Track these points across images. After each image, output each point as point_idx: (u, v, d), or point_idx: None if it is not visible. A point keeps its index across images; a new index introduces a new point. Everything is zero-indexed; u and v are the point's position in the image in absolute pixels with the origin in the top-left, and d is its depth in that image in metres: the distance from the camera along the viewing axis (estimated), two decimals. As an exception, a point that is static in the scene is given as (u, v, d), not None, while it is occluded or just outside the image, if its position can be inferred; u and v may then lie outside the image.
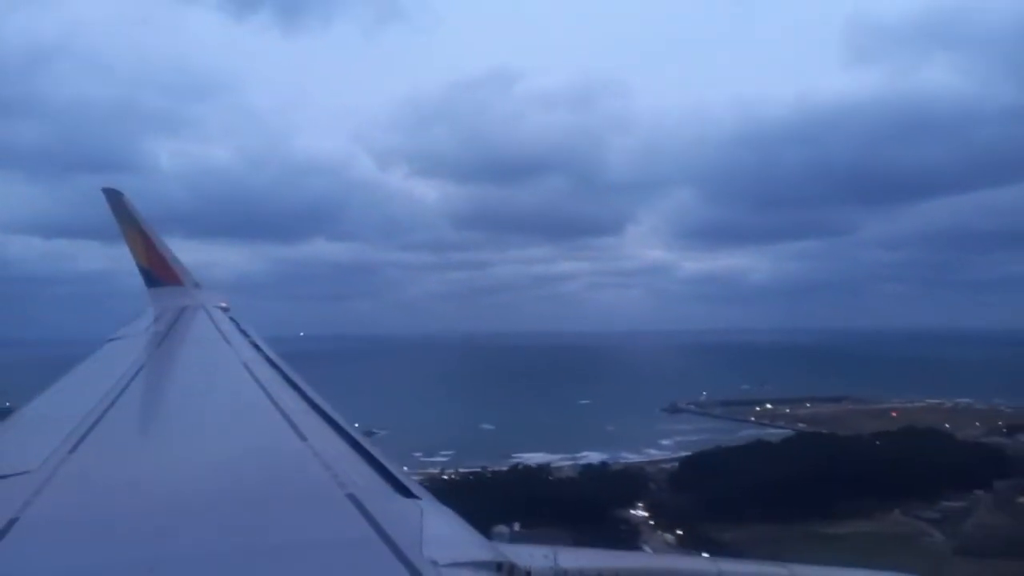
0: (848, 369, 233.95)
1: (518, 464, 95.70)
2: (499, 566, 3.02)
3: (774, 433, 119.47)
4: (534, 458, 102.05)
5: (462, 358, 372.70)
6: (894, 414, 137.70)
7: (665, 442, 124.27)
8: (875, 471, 78.59)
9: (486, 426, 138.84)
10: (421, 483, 4.03)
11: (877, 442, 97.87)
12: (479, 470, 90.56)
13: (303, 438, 4.54)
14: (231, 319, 11.61)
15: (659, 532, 73.74)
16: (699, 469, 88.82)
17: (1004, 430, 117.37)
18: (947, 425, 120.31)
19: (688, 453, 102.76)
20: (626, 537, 68.01)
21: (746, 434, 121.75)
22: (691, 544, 66.09)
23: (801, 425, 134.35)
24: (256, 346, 8.97)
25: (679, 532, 71.64)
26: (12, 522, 3.07)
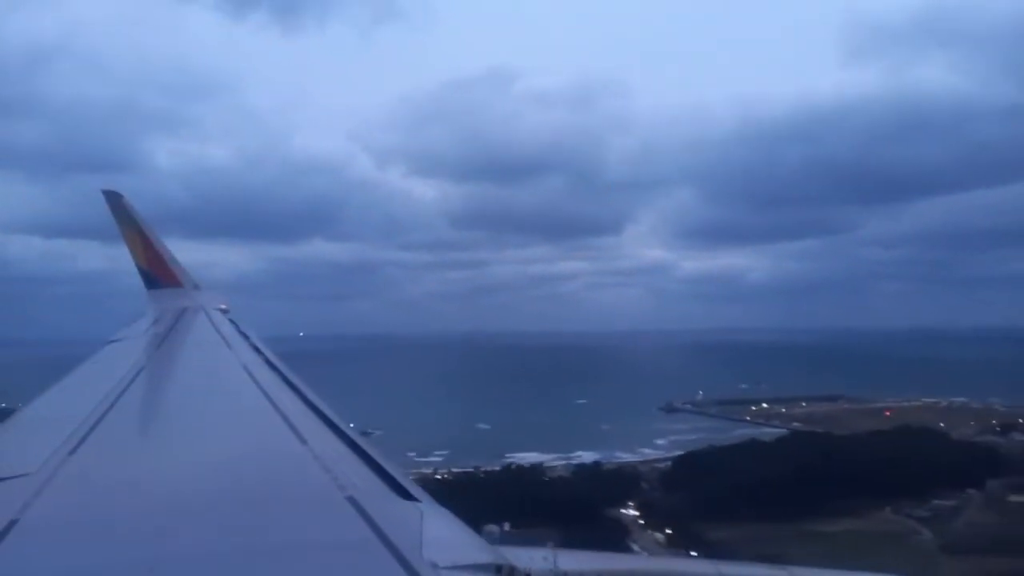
0: (846, 368, 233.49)
1: (511, 464, 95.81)
2: (499, 568, 3.02)
3: (769, 432, 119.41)
4: (528, 458, 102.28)
5: (460, 357, 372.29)
6: (887, 413, 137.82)
7: (660, 441, 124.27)
8: (868, 470, 78.59)
9: (482, 426, 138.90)
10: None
11: (871, 441, 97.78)
12: (471, 470, 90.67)
13: (303, 441, 4.53)
14: (231, 321, 11.68)
15: (649, 531, 73.95)
16: (691, 468, 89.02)
17: (998, 429, 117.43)
18: (942, 424, 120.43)
19: (682, 452, 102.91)
20: (616, 536, 68.15)
21: (741, 433, 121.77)
22: (681, 543, 66.27)
23: (796, 424, 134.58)
24: (256, 348, 8.99)
25: (669, 531, 71.82)
26: (12, 524, 3.07)
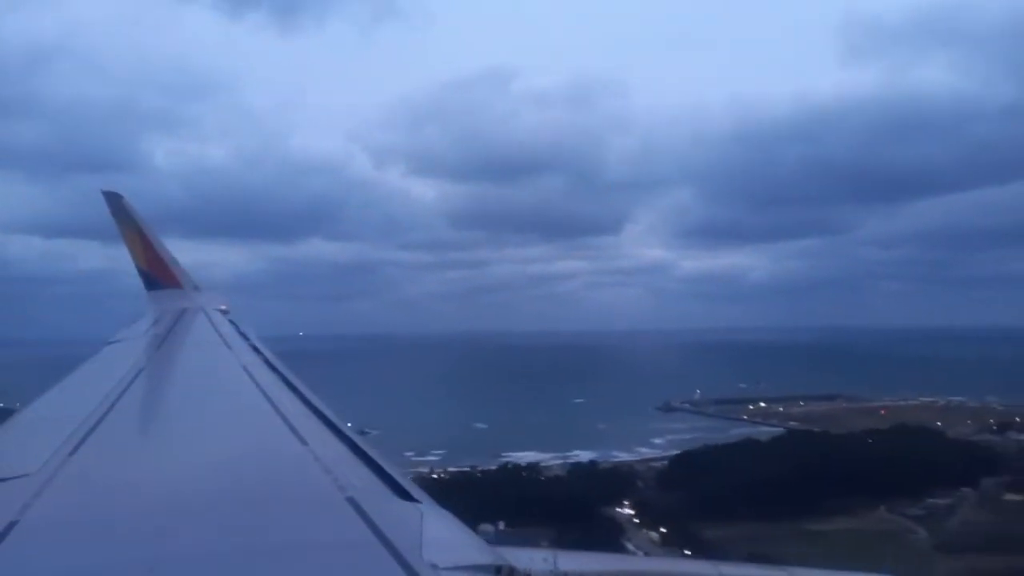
0: (844, 367, 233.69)
1: (507, 463, 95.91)
2: (498, 569, 3.01)
3: (766, 431, 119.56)
4: (524, 457, 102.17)
5: (459, 357, 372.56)
6: (883, 412, 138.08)
7: (657, 440, 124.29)
8: (864, 469, 78.72)
9: (480, 425, 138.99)
10: None
11: (867, 440, 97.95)
12: (468, 469, 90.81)
13: (303, 441, 4.50)
14: (231, 322, 11.68)
15: (644, 530, 73.97)
16: (688, 467, 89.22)
17: (994, 428, 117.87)
18: (939, 423, 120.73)
19: (678, 452, 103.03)
20: (611, 535, 68.33)
21: (738, 432, 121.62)
22: (675, 542, 66.38)
23: (793, 423, 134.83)
24: (256, 349, 8.99)
25: (664, 530, 71.91)
26: (12, 525, 3.06)
